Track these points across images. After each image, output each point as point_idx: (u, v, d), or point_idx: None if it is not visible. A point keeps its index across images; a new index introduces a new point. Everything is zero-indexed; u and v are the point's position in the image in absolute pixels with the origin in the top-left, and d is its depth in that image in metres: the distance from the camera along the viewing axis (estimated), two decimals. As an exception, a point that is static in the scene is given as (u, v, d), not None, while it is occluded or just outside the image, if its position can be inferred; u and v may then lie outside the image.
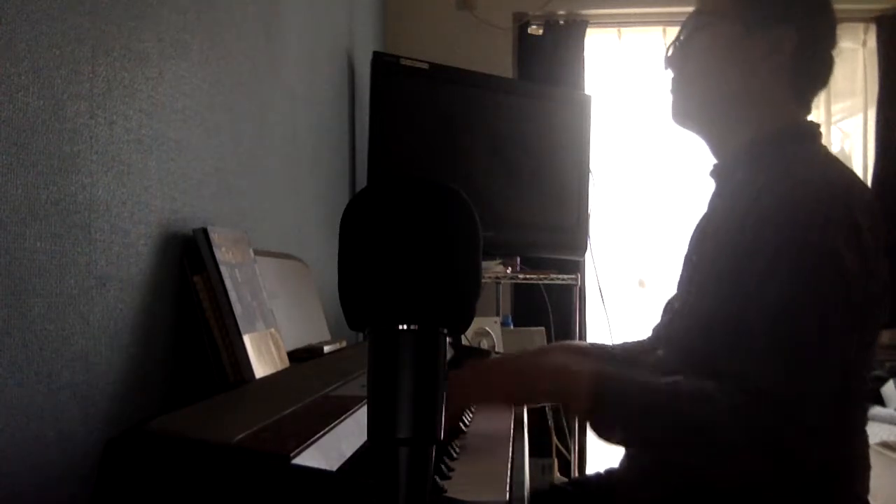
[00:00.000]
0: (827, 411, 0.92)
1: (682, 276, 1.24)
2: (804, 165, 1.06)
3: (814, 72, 1.14)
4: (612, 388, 0.99)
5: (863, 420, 1.08)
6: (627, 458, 1.22)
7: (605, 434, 1.01)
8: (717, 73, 1.15)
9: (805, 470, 0.93)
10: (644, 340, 1.41)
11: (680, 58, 1.19)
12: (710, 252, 1.12)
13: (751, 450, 0.93)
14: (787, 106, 1.14)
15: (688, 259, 1.23)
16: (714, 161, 1.22)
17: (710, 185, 1.25)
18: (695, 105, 1.19)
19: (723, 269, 1.04)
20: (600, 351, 1.41)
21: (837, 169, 1.07)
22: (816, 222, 0.94)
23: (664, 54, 1.22)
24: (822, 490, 0.99)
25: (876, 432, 2.52)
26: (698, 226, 1.26)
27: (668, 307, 1.31)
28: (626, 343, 1.46)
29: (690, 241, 1.26)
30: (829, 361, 0.93)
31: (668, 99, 1.22)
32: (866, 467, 1.07)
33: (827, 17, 1.14)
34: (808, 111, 1.17)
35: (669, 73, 1.22)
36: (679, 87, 1.20)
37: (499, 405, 1.25)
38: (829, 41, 1.14)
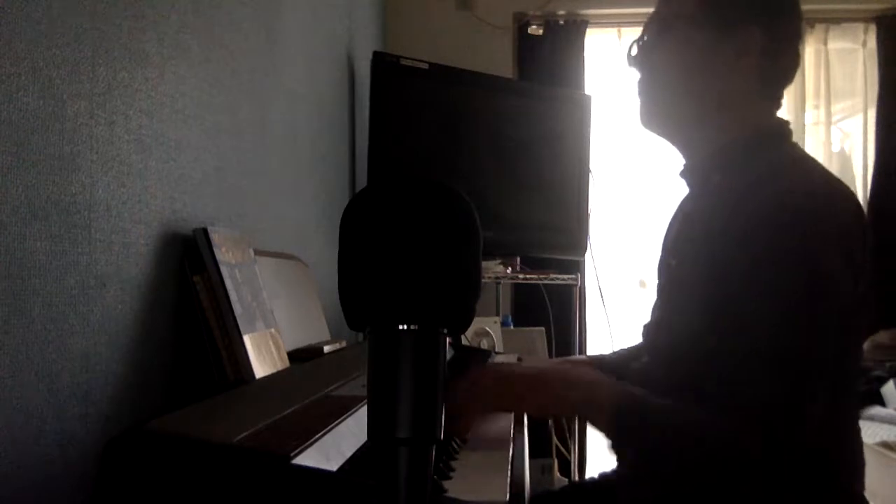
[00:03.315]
0: (823, 422, 0.93)
1: (660, 282, 1.23)
2: (784, 171, 1.05)
3: (782, 69, 1.14)
4: (629, 416, 0.99)
5: (856, 417, 1.08)
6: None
7: (619, 451, 1.04)
8: (685, 77, 1.13)
9: (805, 474, 0.93)
10: (637, 345, 1.41)
11: (646, 60, 1.18)
12: (690, 258, 1.10)
13: (735, 471, 0.93)
14: (758, 106, 1.14)
15: (664, 264, 1.22)
16: (684, 161, 1.21)
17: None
18: (664, 110, 1.17)
19: (706, 278, 1.03)
20: (597, 363, 1.40)
21: (818, 173, 1.07)
22: (799, 232, 0.94)
23: (627, 52, 1.20)
24: (822, 490, 0.99)
25: (876, 432, 2.52)
26: (671, 228, 1.25)
27: (655, 309, 1.30)
28: (622, 350, 1.46)
29: (664, 245, 1.25)
30: (821, 374, 0.93)
31: (636, 101, 1.20)
32: (862, 464, 1.07)
33: (792, 13, 1.14)
34: (779, 106, 1.16)
35: (636, 74, 1.20)
36: (647, 90, 1.18)
37: (519, 413, 1.24)
38: (796, 37, 1.14)
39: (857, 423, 1.08)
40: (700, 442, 0.95)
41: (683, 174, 1.21)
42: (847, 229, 0.96)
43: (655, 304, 1.26)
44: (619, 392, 1.01)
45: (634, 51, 1.20)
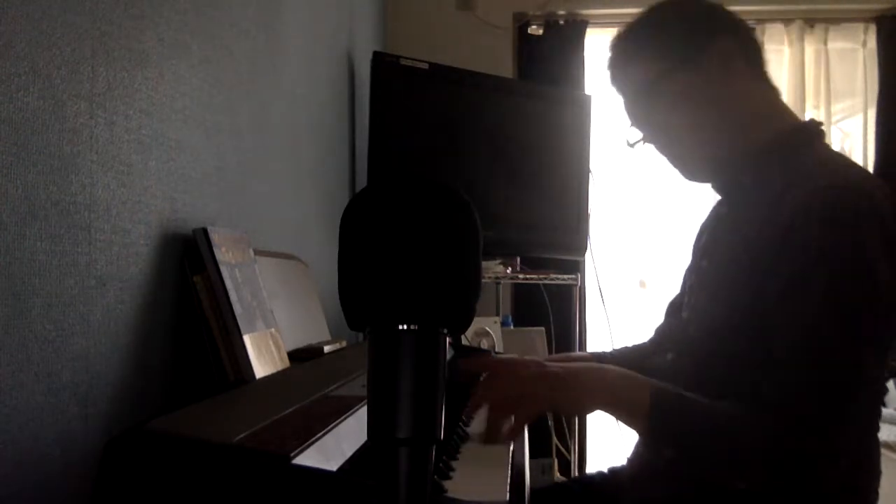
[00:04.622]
0: (857, 426, 0.92)
1: (690, 281, 1.23)
2: (822, 169, 1.05)
3: (760, 53, 1.17)
4: (665, 407, 0.98)
5: (878, 427, 1.08)
6: (634, 458, 1.22)
7: (656, 448, 1.03)
8: (700, 118, 1.13)
9: (828, 481, 0.93)
10: (644, 344, 1.40)
11: (649, 133, 1.19)
12: (724, 258, 1.10)
13: (778, 470, 0.93)
14: (766, 101, 1.15)
15: (696, 264, 1.22)
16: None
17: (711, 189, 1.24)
18: (700, 159, 1.17)
19: (741, 276, 1.02)
20: (598, 360, 1.40)
21: (857, 171, 1.07)
22: (847, 231, 0.93)
23: (626, 142, 1.22)
24: (839, 499, 0.99)
25: (876, 432, 2.51)
26: (704, 229, 1.25)
27: (673, 309, 1.30)
28: (626, 348, 1.45)
29: (696, 245, 1.25)
30: (860, 378, 0.92)
31: (669, 167, 1.20)
32: (878, 474, 1.06)
33: (723, 10, 1.17)
34: (775, 90, 1.17)
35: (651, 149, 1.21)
36: (673, 155, 1.19)
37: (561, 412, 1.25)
38: (737, 18, 1.17)
39: (877, 434, 1.07)
40: (738, 438, 0.94)
41: (715, 186, 1.20)
42: (888, 223, 0.95)
43: (679, 303, 1.26)
44: (657, 389, 0.99)
45: (634, 136, 1.21)
